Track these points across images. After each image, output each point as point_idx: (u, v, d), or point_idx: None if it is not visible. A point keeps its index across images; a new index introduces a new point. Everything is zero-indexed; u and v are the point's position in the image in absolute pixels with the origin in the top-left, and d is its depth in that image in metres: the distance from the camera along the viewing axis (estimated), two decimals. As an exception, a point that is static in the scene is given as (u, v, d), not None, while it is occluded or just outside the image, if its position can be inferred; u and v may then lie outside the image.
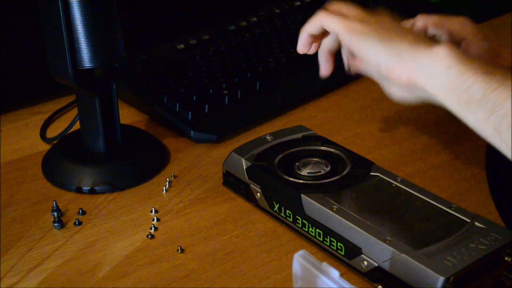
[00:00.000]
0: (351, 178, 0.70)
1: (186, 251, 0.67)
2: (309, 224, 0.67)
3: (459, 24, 0.85)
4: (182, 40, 1.01)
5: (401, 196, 0.68)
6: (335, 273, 0.54)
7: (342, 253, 0.64)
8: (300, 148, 0.75)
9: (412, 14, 1.14)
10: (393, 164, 0.80)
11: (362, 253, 0.62)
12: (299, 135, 0.77)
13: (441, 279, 0.56)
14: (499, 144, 0.56)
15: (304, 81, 0.96)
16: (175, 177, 0.79)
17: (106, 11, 0.72)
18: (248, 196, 0.73)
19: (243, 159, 0.73)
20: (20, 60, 0.93)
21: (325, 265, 0.55)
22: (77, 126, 0.81)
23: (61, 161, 0.79)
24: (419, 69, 0.60)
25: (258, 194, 0.72)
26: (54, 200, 0.71)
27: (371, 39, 0.63)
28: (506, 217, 0.71)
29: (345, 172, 0.71)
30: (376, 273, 0.61)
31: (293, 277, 0.58)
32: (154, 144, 0.84)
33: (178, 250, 0.67)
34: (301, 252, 0.57)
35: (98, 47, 0.71)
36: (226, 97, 0.90)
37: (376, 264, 0.61)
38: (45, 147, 0.84)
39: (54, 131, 0.88)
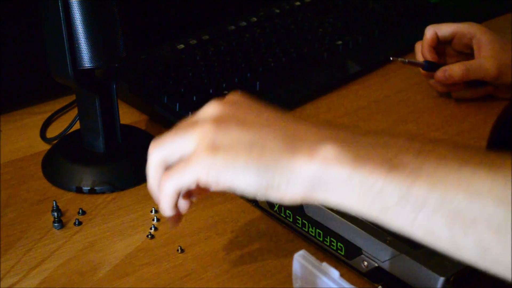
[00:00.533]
0: None
1: (186, 251, 0.67)
2: (309, 224, 0.67)
3: (466, 25, 0.89)
4: (182, 40, 1.01)
5: None
6: (335, 273, 0.54)
7: (342, 253, 0.64)
8: None
9: (412, 14, 1.14)
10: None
11: (362, 253, 0.62)
12: None
13: (441, 279, 0.56)
14: (439, 246, 0.46)
15: (304, 81, 0.96)
16: (175, 177, 0.79)
17: (106, 11, 0.72)
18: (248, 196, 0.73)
19: None
20: (20, 60, 0.93)
21: (325, 265, 0.55)
22: (77, 126, 0.81)
23: (61, 161, 0.79)
24: (313, 185, 0.48)
25: None
26: (54, 200, 0.71)
27: (239, 169, 0.49)
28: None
29: None
30: (376, 273, 0.61)
31: (293, 277, 0.58)
32: (154, 144, 0.84)
33: (178, 250, 0.67)
34: (301, 252, 0.57)
35: (98, 47, 0.71)
36: (226, 97, 0.90)
37: (376, 264, 0.61)
38: (45, 147, 0.84)
39: (54, 131, 0.88)
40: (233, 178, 0.49)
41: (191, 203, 0.57)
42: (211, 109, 0.53)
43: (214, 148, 0.50)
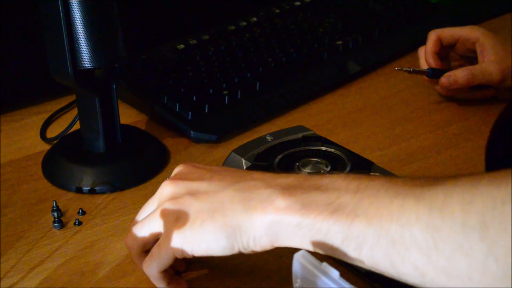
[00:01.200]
0: None
1: (186, 251, 0.67)
2: None
3: (469, 29, 0.90)
4: (182, 40, 1.01)
5: None
6: (335, 273, 0.54)
7: None
8: (300, 148, 0.75)
9: (412, 14, 1.14)
10: (393, 164, 0.80)
11: None
12: (299, 135, 0.77)
13: None
14: (386, 274, 0.51)
15: (304, 81, 0.96)
16: (175, 177, 0.79)
17: (106, 11, 0.72)
18: None
19: (243, 159, 0.73)
20: (20, 60, 0.93)
21: (325, 265, 0.55)
22: (77, 126, 0.81)
23: (61, 161, 0.79)
24: (274, 233, 0.53)
25: None
26: (54, 200, 0.71)
27: (209, 237, 0.54)
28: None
29: (345, 172, 0.71)
30: (376, 273, 0.61)
31: (293, 277, 0.58)
32: (154, 144, 0.84)
33: (178, 250, 0.67)
34: (301, 252, 0.56)
35: (98, 47, 0.71)
36: (226, 97, 0.90)
37: None
38: (45, 147, 0.84)
39: (54, 131, 0.88)
40: (206, 247, 0.55)
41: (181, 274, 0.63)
42: (164, 190, 0.58)
43: (179, 224, 0.55)
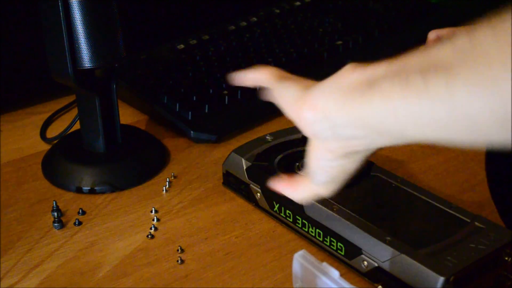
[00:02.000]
0: (351, 178, 0.70)
1: (186, 251, 0.67)
2: (309, 224, 0.67)
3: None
4: (182, 40, 1.01)
5: (401, 196, 0.68)
6: (335, 273, 0.54)
7: (342, 253, 0.64)
8: (300, 148, 0.75)
9: (412, 14, 1.14)
10: (393, 164, 0.80)
11: (362, 253, 0.62)
12: (299, 135, 0.77)
13: (441, 279, 0.56)
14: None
15: (304, 81, 0.96)
16: (175, 177, 0.79)
17: (106, 11, 0.72)
18: (248, 196, 0.73)
19: (243, 159, 0.73)
20: (20, 60, 0.93)
21: (325, 265, 0.55)
22: (77, 126, 0.81)
23: (61, 161, 0.79)
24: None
25: (258, 194, 0.72)
26: (54, 200, 0.71)
27: None
28: (506, 217, 0.71)
29: None
30: (376, 273, 0.61)
31: (293, 277, 0.58)
32: (154, 144, 0.84)
33: (178, 250, 0.67)
34: (301, 252, 0.57)
35: (98, 47, 0.71)
36: (226, 97, 0.90)
37: (376, 264, 0.61)
38: (45, 147, 0.84)
39: (54, 131, 0.88)
40: None
41: None
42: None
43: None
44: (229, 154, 0.76)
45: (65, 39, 0.70)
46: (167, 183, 0.77)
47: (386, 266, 0.60)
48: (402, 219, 0.64)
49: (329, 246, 0.65)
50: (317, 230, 0.66)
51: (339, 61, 1.03)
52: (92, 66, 0.72)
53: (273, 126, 0.88)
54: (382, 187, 0.69)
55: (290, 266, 0.58)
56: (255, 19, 1.08)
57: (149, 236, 0.69)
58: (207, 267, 0.65)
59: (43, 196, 0.76)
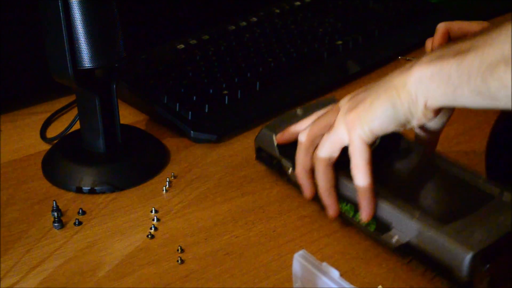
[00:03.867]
0: (380, 152, 0.69)
1: (186, 251, 0.67)
2: (340, 200, 0.67)
3: (477, 24, 0.89)
4: (182, 40, 1.01)
5: (430, 170, 0.67)
6: (335, 273, 0.54)
7: (373, 229, 0.64)
8: None
9: (412, 14, 1.14)
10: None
11: (391, 229, 0.62)
12: (329, 108, 0.76)
13: (470, 254, 0.56)
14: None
15: (304, 81, 0.96)
16: (175, 177, 0.79)
17: (106, 11, 0.72)
18: (280, 171, 0.74)
19: (273, 135, 0.74)
20: (20, 60, 0.93)
21: (325, 265, 0.55)
22: (77, 126, 0.81)
23: (61, 161, 0.79)
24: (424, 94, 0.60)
25: (290, 169, 0.72)
26: (54, 200, 0.71)
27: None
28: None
29: (374, 146, 0.70)
30: (405, 249, 0.61)
31: (293, 277, 0.58)
32: (154, 144, 0.84)
33: (178, 250, 0.67)
34: (301, 252, 0.57)
35: (98, 47, 0.71)
36: (226, 97, 0.90)
37: (405, 240, 0.61)
38: (45, 147, 0.84)
39: (54, 131, 0.88)
40: (379, 121, 0.62)
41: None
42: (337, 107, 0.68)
43: (352, 110, 0.64)
44: (261, 130, 0.76)
45: (65, 39, 0.70)
46: (167, 183, 0.77)
47: (415, 241, 0.60)
48: (431, 193, 0.64)
49: (359, 222, 0.65)
50: (349, 205, 0.66)
51: (339, 61, 1.03)
52: (92, 66, 0.72)
53: (273, 126, 0.88)
54: (411, 161, 0.69)
55: (290, 266, 0.58)
56: (255, 19, 1.08)
57: (149, 236, 0.69)
58: (207, 267, 0.65)
59: (43, 196, 0.76)
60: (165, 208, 0.74)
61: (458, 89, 0.57)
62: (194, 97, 0.89)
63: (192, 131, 0.85)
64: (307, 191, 0.70)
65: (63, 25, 0.69)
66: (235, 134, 0.87)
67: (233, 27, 1.05)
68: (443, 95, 0.59)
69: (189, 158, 0.83)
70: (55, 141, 0.85)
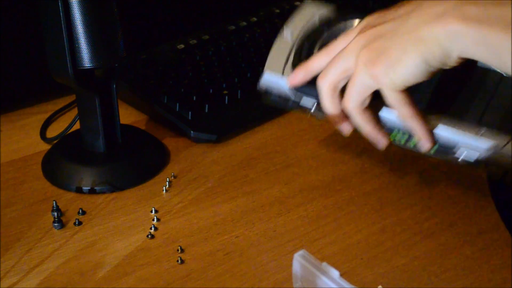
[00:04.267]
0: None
1: (186, 251, 0.67)
2: (386, 129, 0.64)
3: None
4: (182, 40, 1.01)
5: (483, 80, 0.64)
6: (335, 273, 0.54)
7: (433, 152, 0.62)
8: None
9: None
10: (393, 164, 0.79)
11: (455, 149, 0.61)
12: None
13: None
14: None
15: (304, 81, 0.96)
16: (175, 177, 0.79)
17: (106, 11, 0.72)
18: (301, 109, 0.69)
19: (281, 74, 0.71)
20: (20, 60, 0.93)
21: (325, 265, 0.55)
22: (77, 126, 0.81)
23: (61, 161, 0.79)
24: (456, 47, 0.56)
25: (314, 106, 0.67)
26: (54, 200, 0.71)
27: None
28: (507, 217, 0.71)
29: None
30: (473, 164, 0.60)
31: (293, 277, 0.58)
32: (154, 144, 0.85)
33: (178, 250, 0.67)
34: (301, 252, 0.57)
35: (98, 47, 0.71)
36: (226, 97, 0.90)
37: (473, 158, 0.60)
38: (45, 147, 0.84)
39: (54, 131, 0.88)
40: (404, 69, 0.58)
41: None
42: (349, 34, 0.66)
43: (375, 60, 0.59)
44: (265, 71, 0.73)
45: (65, 39, 0.70)
46: (167, 183, 0.77)
47: (484, 157, 0.59)
48: (489, 106, 0.62)
49: (415, 147, 0.64)
50: (400, 132, 0.64)
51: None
52: (92, 66, 0.72)
53: (274, 126, 0.88)
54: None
55: (290, 266, 0.58)
56: (255, 19, 1.08)
57: (149, 236, 0.69)
58: (207, 267, 0.65)
59: (43, 196, 0.76)
60: (165, 208, 0.74)
61: (508, 62, 0.53)
62: (194, 97, 0.89)
63: (192, 131, 0.85)
64: (346, 131, 0.66)
65: (63, 25, 0.69)
66: (235, 134, 0.87)
67: (233, 27, 1.05)
68: (488, 61, 0.55)
69: (189, 158, 0.83)
70: (55, 141, 0.85)
